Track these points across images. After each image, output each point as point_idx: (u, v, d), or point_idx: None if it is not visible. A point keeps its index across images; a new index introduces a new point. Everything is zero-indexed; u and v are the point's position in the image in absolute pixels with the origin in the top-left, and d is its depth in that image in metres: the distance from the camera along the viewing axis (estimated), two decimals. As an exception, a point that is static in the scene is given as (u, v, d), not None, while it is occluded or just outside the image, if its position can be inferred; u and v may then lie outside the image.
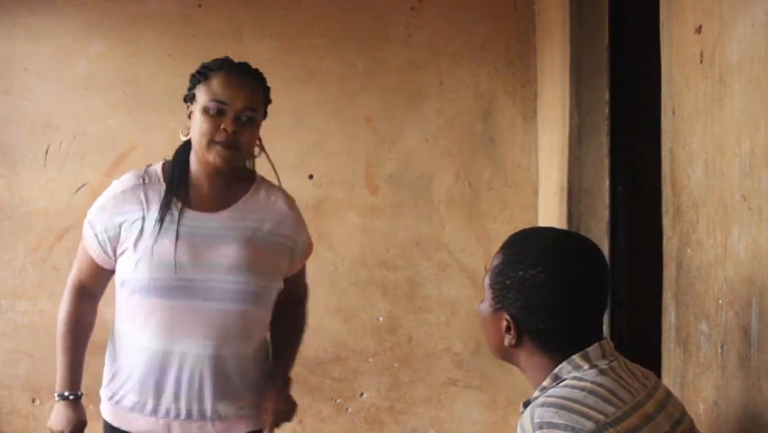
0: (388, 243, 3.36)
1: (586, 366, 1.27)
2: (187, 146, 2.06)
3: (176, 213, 1.99)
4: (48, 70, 3.36)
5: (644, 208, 2.38)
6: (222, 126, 1.96)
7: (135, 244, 1.98)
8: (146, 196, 2.01)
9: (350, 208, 3.36)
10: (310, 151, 3.36)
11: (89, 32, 3.36)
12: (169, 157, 2.10)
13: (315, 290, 3.32)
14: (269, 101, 2.11)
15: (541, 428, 1.18)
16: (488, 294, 1.36)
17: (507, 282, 1.31)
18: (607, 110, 2.59)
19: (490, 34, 3.35)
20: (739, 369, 1.41)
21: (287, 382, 2.17)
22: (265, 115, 2.12)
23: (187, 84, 2.07)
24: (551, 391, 1.25)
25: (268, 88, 2.10)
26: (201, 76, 2.02)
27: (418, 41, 3.36)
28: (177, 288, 1.96)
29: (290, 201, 2.16)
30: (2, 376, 3.30)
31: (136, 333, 2.01)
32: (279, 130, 3.36)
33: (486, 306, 1.37)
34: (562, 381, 1.27)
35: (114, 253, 2.02)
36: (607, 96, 2.58)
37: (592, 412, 1.18)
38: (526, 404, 1.29)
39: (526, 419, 1.22)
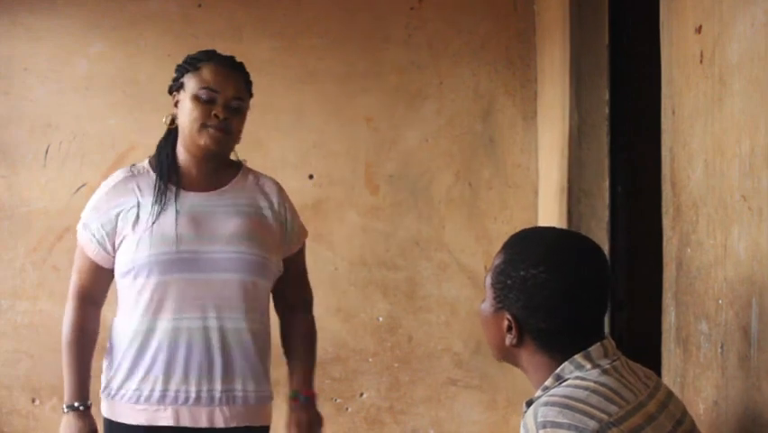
0: (388, 243, 3.36)
1: (588, 366, 1.27)
2: (169, 137, 2.11)
3: (172, 194, 2.04)
4: (48, 70, 3.36)
5: (644, 208, 2.38)
6: (213, 112, 2.02)
7: (133, 228, 2.01)
8: (138, 185, 2.06)
9: (350, 208, 3.36)
10: (310, 151, 3.36)
11: (89, 32, 3.36)
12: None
13: (316, 290, 3.31)
14: (251, 94, 2.16)
15: (544, 427, 1.18)
16: (489, 293, 1.36)
17: (509, 282, 1.32)
18: (607, 110, 2.59)
19: (490, 34, 3.35)
20: (739, 369, 1.41)
21: (311, 397, 2.18)
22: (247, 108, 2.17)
23: None
24: (554, 391, 1.25)
25: (251, 82, 2.16)
26: (189, 66, 2.08)
27: (418, 41, 3.36)
28: (180, 261, 1.99)
29: (278, 185, 2.20)
30: (2, 376, 3.30)
31: (141, 318, 2.01)
32: (279, 130, 3.36)
33: (487, 305, 1.37)
34: (565, 380, 1.27)
35: (114, 248, 2.04)
36: (607, 96, 2.58)
37: (595, 412, 1.19)
38: (529, 403, 1.29)
39: (530, 418, 1.22)
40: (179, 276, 1.99)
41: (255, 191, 2.13)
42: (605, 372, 1.26)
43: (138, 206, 2.03)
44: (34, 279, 3.32)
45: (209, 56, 2.09)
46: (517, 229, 1.44)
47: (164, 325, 1.99)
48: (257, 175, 2.18)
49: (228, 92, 2.04)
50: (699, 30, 1.60)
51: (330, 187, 3.36)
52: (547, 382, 1.29)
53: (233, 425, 2.03)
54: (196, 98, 2.03)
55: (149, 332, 2.00)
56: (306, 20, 3.37)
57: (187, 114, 2.04)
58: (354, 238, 3.35)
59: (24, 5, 3.36)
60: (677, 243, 1.76)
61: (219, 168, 2.11)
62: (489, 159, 3.36)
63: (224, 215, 2.05)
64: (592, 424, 1.17)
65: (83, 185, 3.31)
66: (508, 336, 1.33)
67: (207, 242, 2.01)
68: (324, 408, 3.31)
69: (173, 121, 2.09)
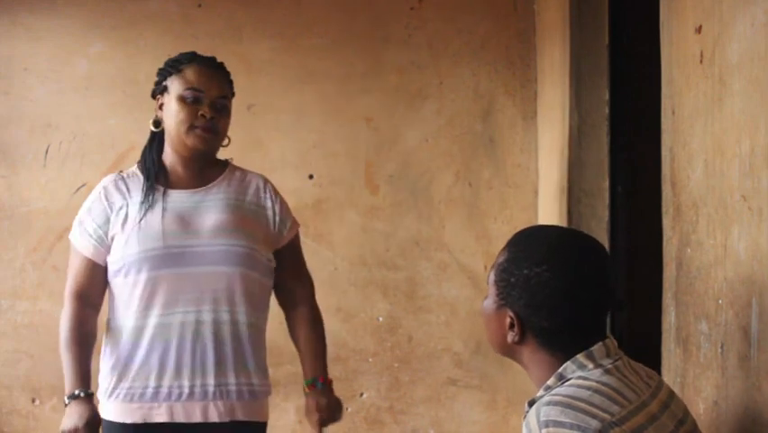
0: (388, 243, 3.36)
1: (591, 366, 1.27)
2: (153, 140, 2.14)
3: (159, 193, 2.07)
4: (48, 70, 3.36)
5: (644, 208, 2.38)
6: (200, 113, 2.05)
7: (122, 227, 2.04)
8: (127, 187, 2.10)
9: (350, 208, 3.36)
10: (310, 151, 3.36)
11: (89, 32, 3.36)
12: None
13: (316, 291, 3.33)
14: (233, 93, 2.19)
15: (547, 426, 1.18)
16: (492, 291, 1.36)
17: (512, 280, 1.32)
18: (607, 110, 2.59)
19: (490, 34, 3.35)
20: (739, 369, 1.41)
21: (328, 384, 2.18)
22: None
23: None
24: (556, 390, 1.26)
25: (232, 82, 2.18)
26: (172, 68, 2.10)
27: (418, 41, 3.36)
28: (167, 256, 2.01)
29: (265, 179, 2.23)
30: (2, 376, 3.30)
31: (132, 315, 2.02)
32: (279, 130, 3.36)
33: (490, 302, 1.37)
34: (567, 380, 1.27)
35: (109, 246, 2.06)
36: (607, 96, 2.59)
37: (598, 411, 1.19)
38: (531, 403, 1.29)
39: (532, 418, 1.22)
40: (168, 271, 2.01)
41: (241, 186, 2.16)
42: (607, 371, 1.27)
43: (126, 206, 2.06)
44: (34, 279, 3.32)
45: (190, 57, 2.11)
46: (517, 229, 1.44)
47: (154, 321, 2.01)
48: (244, 171, 2.21)
49: (213, 91, 2.07)
50: (699, 30, 1.60)
51: (330, 187, 3.36)
52: (549, 382, 1.29)
53: (227, 420, 2.04)
54: (181, 100, 2.05)
55: (140, 329, 2.02)
56: (306, 20, 3.36)
57: (173, 115, 2.06)
58: (354, 238, 3.35)
59: (24, 5, 3.36)
60: (677, 243, 1.76)
61: (205, 166, 2.14)
62: (489, 159, 3.36)
63: (209, 209, 2.08)
64: (595, 423, 1.17)
65: (83, 185, 3.31)
66: (510, 333, 1.33)
67: (193, 236, 2.03)
68: (324, 408, 3.33)
69: (158, 124, 2.11)
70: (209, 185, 2.12)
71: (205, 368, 2.02)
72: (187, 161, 2.10)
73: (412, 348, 3.35)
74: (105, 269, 2.08)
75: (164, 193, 2.07)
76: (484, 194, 3.35)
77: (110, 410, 2.06)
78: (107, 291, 2.10)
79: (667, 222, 1.84)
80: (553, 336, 1.30)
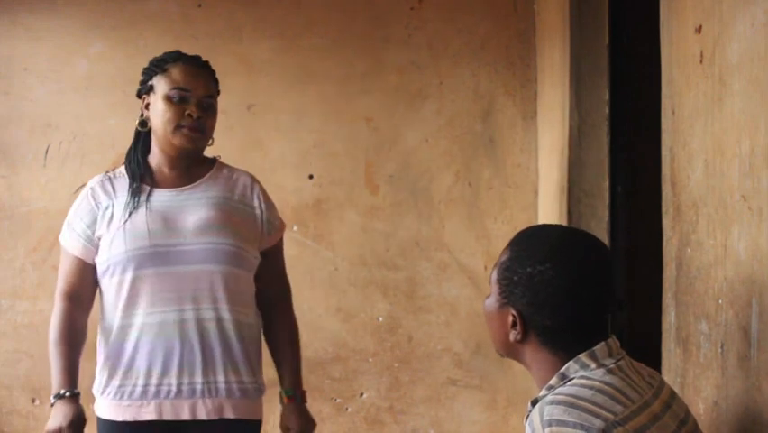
0: (388, 243, 3.36)
1: (593, 365, 1.28)
2: (138, 140, 2.14)
3: (144, 193, 2.07)
4: (48, 70, 3.36)
5: (644, 208, 2.38)
6: (187, 112, 2.04)
7: (108, 227, 2.05)
8: (113, 187, 2.10)
9: (350, 208, 3.36)
10: (310, 151, 3.36)
11: (89, 32, 3.36)
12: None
13: (316, 290, 3.34)
14: (219, 92, 2.18)
15: (550, 425, 1.18)
16: (495, 289, 1.36)
17: (515, 278, 1.32)
18: (607, 110, 2.59)
19: (490, 34, 3.35)
20: (739, 369, 1.41)
21: (304, 397, 2.18)
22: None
23: None
24: (559, 390, 1.26)
25: (217, 81, 2.17)
26: (157, 68, 2.10)
27: (418, 41, 3.36)
28: (152, 255, 2.01)
29: (253, 177, 2.22)
30: (2, 376, 3.30)
31: (119, 315, 2.03)
32: (279, 130, 3.36)
33: (492, 301, 1.37)
34: (570, 379, 1.27)
35: (97, 246, 2.07)
36: (607, 96, 2.58)
37: (601, 411, 1.19)
38: (534, 402, 1.29)
39: (535, 417, 1.22)
40: (153, 270, 2.01)
41: (228, 184, 2.15)
42: (610, 371, 1.27)
43: (112, 206, 2.07)
44: (34, 279, 3.32)
45: (176, 57, 2.11)
46: (518, 229, 1.44)
47: (140, 319, 2.02)
48: (231, 169, 2.20)
49: (199, 90, 2.07)
50: (699, 30, 1.60)
51: (330, 187, 3.36)
52: (552, 381, 1.29)
53: (215, 417, 2.04)
54: (168, 99, 2.06)
55: (127, 328, 2.03)
56: (306, 20, 3.36)
57: (160, 115, 2.06)
58: (354, 238, 3.35)
59: (24, 5, 3.35)
60: (677, 243, 1.76)
61: (192, 165, 2.14)
62: (489, 159, 3.36)
63: (194, 208, 2.08)
64: (598, 423, 1.17)
65: (83, 185, 3.30)
66: (513, 331, 1.33)
67: (178, 235, 2.04)
68: (324, 408, 3.33)
69: (145, 124, 2.11)
70: (196, 183, 2.12)
71: (192, 366, 2.02)
72: (174, 159, 2.10)
73: (412, 348, 3.35)
74: (95, 268, 2.09)
75: (150, 192, 2.07)
76: (484, 194, 3.35)
77: (103, 408, 2.07)
78: (100, 291, 2.10)
79: (667, 222, 1.84)
80: (556, 334, 1.30)
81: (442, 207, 3.36)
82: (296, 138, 3.35)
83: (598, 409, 1.19)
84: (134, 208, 2.04)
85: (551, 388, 1.29)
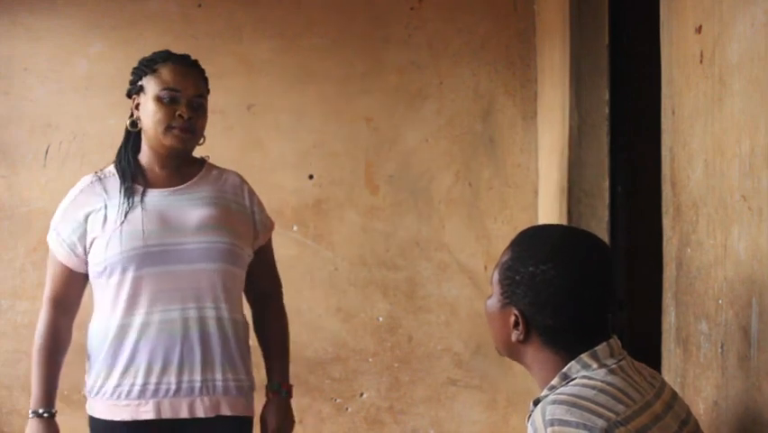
0: (388, 243, 3.36)
1: (595, 365, 1.28)
2: (129, 140, 2.13)
3: (138, 193, 2.07)
4: (48, 70, 3.36)
5: (644, 208, 2.38)
6: (177, 113, 2.04)
7: (102, 228, 2.04)
8: (104, 188, 2.09)
9: (350, 208, 3.36)
10: (310, 151, 3.36)
11: (89, 32, 3.36)
12: None
13: (316, 290, 3.34)
14: (209, 91, 2.17)
15: (552, 424, 1.18)
16: (496, 289, 1.36)
17: (517, 278, 1.32)
18: (607, 110, 2.59)
19: (490, 34, 3.35)
20: (739, 369, 1.41)
21: (289, 393, 2.20)
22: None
23: None
24: (561, 390, 1.26)
25: (207, 79, 2.17)
26: (146, 68, 2.11)
27: (418, 41, 3.36)
28: (150, 255, 2.01)
29: (242, 178, 2.23)
30: (2, 376, 3.30)
31: (118, 315, 2.03)
32: (279, 130, 3.36)
33: (494, 301, 1.37)
34: (572, 380, 1.28)
35: (85, 251, 2.06)
36: (607, 96, 2.58)
37: (603, 410, 1.19)
38: (536, 402, 1.29)
39: (537, 416, 1.22)
40: (152, 270, 2.01)
41: (220, 184, 2.16)
42: (611, 371, 1.27)
43: (105, 207, 2.06)
44: (34, 279, 3.32)
45: (165, 56, 2.11)
46: (518, 229, 1.45)
47: (140, 319, 2.02)
48: (220, 170, 2.21)
49: (189, 90, 2.07)
50: (699, 30, 1.60)
51: (330, 187, 3.36)
52: (554, 382, 1.29)
53: (212, 415, 2.05)
54: (158, 100, 2.05)
55: (126, 328, 2.02)
56: (306, 20, 3.36)
57: (150, 116, 2.06)
58: (354, 238, 3.35)
59: (24, 5, 3.35)
60: (677, 243, 1.76)
61: (182, 165, 2.14)
62: (489, 159, 3.36)
63: (190, 207, 2.08)
64: (600, 422, 1.17)
65: (83, 185, 3.31)
66: (515, 331, 1.33)
67: (175, 234, 2.04)
68: (324, 408, 3.33)
69: (135, 124, 2.11)
70: (188, 183, 2.12)
71: (192, 364, 2.03)
72: (165, 159, 2.10)
73: (412, 348, 3.35)
74: (81, 275, 2.09)
75: (143, 193, 2.07)
76: (484, 194, 3.35)
77: (97, 408, 2.07)
78: (92, 293, 2.10)
79: (667, 222, 1.84)
80: (558, 334, 1.30)
81: (442, 207, 3.36)
82: (296, 138, 3.35)
83: (600, 409, 1.19)
84: (130, 209, 2.04)
85: (552, 388, 1.29)
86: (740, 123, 1.40)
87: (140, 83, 2.10)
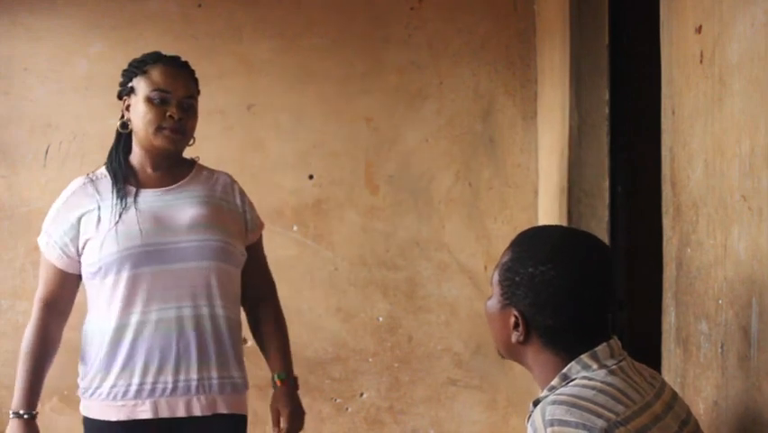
0: (388, 243, 3.36)
1: (595, 366, 1.28)
2: (120, 142, 2.14)
3: (131, 194, 2.08)
4: (48, 70, 3.36)
5: (644, 208, 2.38)
6: (168, 114, 2.06)
7: (96, 229, 2.04)
8: (97, 189, 2.10)
9: (350, 208, 3.36)
10: (310, 151, 3.36)
11: (89, 32, 3.36)
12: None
13: (316, 290, 3.34)
14: (199, 92, 2.19)
15: (552, 425, 1.18)
16: (496, 290, 1.36)
17: (517, 279, 1.32)
18: (607, 110, 2.59)
19: (490, 34, 3.35)
20: (739, 369, 1.41)
21: (295, 382, 2.22)
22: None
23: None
24: (561, 390, 1.26)
25: (197, 80, 2.18)
26: (137, 69, 2.12)
27: (418, 41, 3.36)
28: (146, 254, 2.02)
29: (232, 178, 2.25)
30: (2, 376, 3.30)
31: (114, 315, 2.03)
32: (279, 130, 3.36)
33: (494, 302, 1.37)
34: (572, 380, 1.28)
35: (78, 253, 2.07)
36: (607, 96, 2.58)
37: (603, 411, 1.19)
38: (536, 403, 1.29)
39: (537, 417, 1.22)
40: (148, 269, 2.02)
41: (211, 184, 2.18)
42: (611, 372, 1.27)
43: (99, 208, 2.06)
44: (34, 279, 3.31)
45: (155, 58, 2.13)
46: (518, 229, 1.45)
47: (136, 318, 2.02)
48: (210, 170, 2.23)
49: (179, 92, 2.08)
50: (699, 30, 1.60)
51: (330, 187, 3.36)
52: (554, 382, 1.29)
53: (209, 413, 2.06)
54: (148, 101, 2.06)
55: (122, 327, 2.03)
56: (306, 20, 3.37)
57: (141, 117, 2.07)
58: (354, 238, 3.35)
59: (24, 5, 3.36)
60: (677, 243, 1.76)
61: (173, 165, 2.15)
62: (489, 159, 3.36)
63: (183, 206, 2.09)
64: (600, 423, 1.17)
65: (83, 185, 3.31)
66: (515, 332, 1.33)
67: (170, 233, 2.05)
68: (324, 408, 3.34)
69: (126, 125, 2.12)
70: (180, 183, 2.13)
71: (188, 363, 2.04)
72: (156, 160, 2.12)
73: (412, 348, 3.35)
74: (73, 276, 2.09)
75: (136, 193, 2.08)
76: (484, 194, 3.36)
77: (92, 408, 2.07)
78: (87, 293, 2.10)
79: (667, 222, 1.84)
80: (558, 335, 1.30)
81: (442, 207, 3.36)
82: (296, 138, 3.35)
83: (600, 410, 1.19)
84: (124, 209, 2.04)
85: (552, 388, 1.29)
86: (740, 123, 1.40)
87: (130, 84, 2.11)
